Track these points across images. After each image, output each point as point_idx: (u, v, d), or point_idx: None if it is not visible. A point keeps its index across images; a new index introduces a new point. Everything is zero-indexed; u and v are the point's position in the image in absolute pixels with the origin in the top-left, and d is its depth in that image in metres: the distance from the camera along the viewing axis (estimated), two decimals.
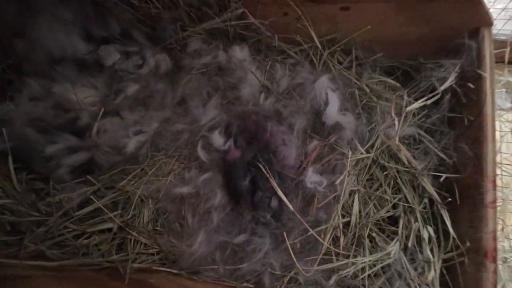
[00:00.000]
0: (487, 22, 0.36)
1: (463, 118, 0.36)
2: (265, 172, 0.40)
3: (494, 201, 0.29)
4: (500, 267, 0.42)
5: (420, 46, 0.42)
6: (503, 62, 0.50)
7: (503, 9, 0.48)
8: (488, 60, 0.35)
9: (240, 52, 0.48)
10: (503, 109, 0.48)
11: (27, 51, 0.43)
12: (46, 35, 0.43)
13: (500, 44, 0.49)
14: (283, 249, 0.38)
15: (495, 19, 0.44)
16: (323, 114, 0.43)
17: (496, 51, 0.41)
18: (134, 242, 0.37)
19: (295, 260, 0.35)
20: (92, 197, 0.36)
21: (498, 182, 0.44)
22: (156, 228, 0.41)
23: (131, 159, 0.44)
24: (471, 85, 0.35)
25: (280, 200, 0.41)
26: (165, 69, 0.50)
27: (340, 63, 0.47)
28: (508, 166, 0.47)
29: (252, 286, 0.37)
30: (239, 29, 0.47)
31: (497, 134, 0.47)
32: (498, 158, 0.45)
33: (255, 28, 0.46)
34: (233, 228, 0.43)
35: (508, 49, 0.48)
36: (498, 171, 0.44)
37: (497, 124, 0.47)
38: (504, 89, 0.49)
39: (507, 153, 0.48)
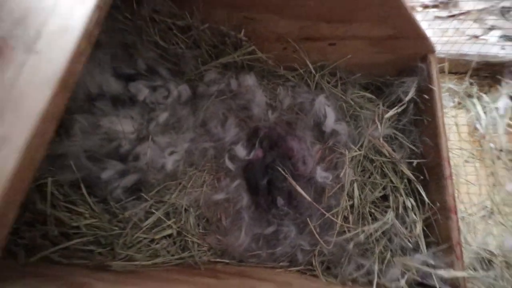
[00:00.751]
0: (432, 50, 0.51)
1: (423, 119, 0.50)
2: (283, 172, 0.51)
3: (450, 175, 0.43)
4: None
5: (387, 67, 0.56)
6: (444, 72, 0.67)
7: (441, 36, 0.64)
8: (435, 78, 0.49)
9: (249, 79, 0.58)
10: (447, 107, 0.64)
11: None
12: (84, 75, 0.50)
13: (440, 60, 0.66)
14: (307, 232, 0.49)
15: (436, 43, 0.60)
16: (323, 125, 0.55)
17: (438, 65, 0.57)
18: (191, 243, 0.45)
19: (318, 237, 0.46)
20: (153, 210, 0.44)
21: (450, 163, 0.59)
22: (200, 231, 0.50)
23: (171, 176, 0.53)
24: (426, 96, 0.49)
25: (287, 198, 0.53)
26: (186, 97, 0.58)
27: (328, 82, 0.60)
28: (456, 150, 0.63)
29: (287, 263, 0.48)
30: (246, 61, 0.58)
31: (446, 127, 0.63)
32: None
33: (261, 59, 0.57)
34: (261, 222, 0.52)
35: (446, 64, 0.65)
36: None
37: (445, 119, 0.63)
38: (447, 93, 0.65)
39: (453, 140, 0.64)
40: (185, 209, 0.50)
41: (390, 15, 0.46)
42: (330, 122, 0.54)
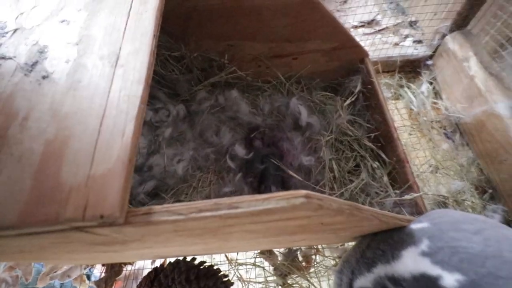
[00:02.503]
0: (366, 55, 0.70)
1: (371, 103, 0.66)
2: (276, 163, 0.63)
3: (398, 137, 0.58)
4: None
5: (338, 71, 0.73)
6: (379, 72, 0.87)
7: (371, 46, 0.85)
8: (373, 73, 0.67)
9: (233, 94, 0.71)
10: (387, 97, 0.83)
11: None
12: None
13: (374, 63, 0.86)
14: None
15: (368, 51, 0.80)
16: (300, 120, 0.69)
17: (373, 66, 0.75)
18: None
19: None
20: None
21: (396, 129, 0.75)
22: None
23: (182, 180, 0.61)
24: (369, 86, 0.66)
25: (280, 184, 0.64)
26: (183, 115, 0.69)
27: (296, 89, 0.75)
28: (401, 127, 0.81)
29: None
30: (230, 79, 0.71)
31: None
32: None
33: (242, 77, 0.70)
34: None
35: (379, 65, 0.85)
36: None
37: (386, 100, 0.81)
38: (384, 87, 0.85)
39: (398, 120, 0.82)
40: None
41: (332, 33, 0.64)
42: (304, 117, 0.68)
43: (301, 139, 0.69)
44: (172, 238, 0.30)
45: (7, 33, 0.35)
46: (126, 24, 0.34)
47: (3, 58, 0.32)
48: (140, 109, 0.28)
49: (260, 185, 0.63)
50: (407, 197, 0.48)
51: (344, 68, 0.73)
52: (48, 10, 0.36)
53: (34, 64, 0.31)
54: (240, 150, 0.65)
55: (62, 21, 0.35)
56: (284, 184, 0.65)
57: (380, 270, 0.34)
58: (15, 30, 0.35)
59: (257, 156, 0.62)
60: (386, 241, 0.35)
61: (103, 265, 0.66)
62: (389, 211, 0.51)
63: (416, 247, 0.32)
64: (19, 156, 0.25)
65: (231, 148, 0.65)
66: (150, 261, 0.68)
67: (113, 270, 0.66)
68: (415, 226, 0.35)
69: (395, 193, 0.53)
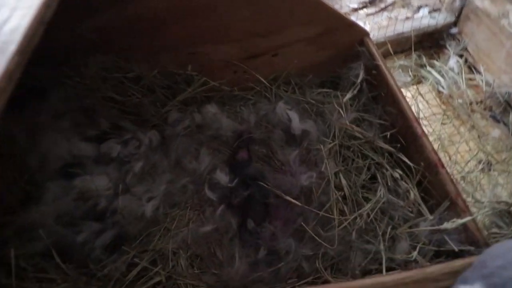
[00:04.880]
0: (366, 33, 0.55)
1: (380, 93, 0.51)
2: (264, 185, 0.49)
3: (423, 132, 0.42)
4: None
5: (333, 62, 0.59)
6: (391, 54, 0.71)
7: (376, 23, 0.70)
8: (377, 54, 0.52)
9: (211, 109, 0.60)
10: (406, 82, 0.66)
11: (40, 163, 0.49)
12: (51, 146, 0.51)
13: (383, 44, 0.70)
14: (308, 239, 0.45)
15: (374, 31, 0.65)
16: (291, 129, 0.55)
17: (381, 50, 0.60)
18: (185, 286, 0.41)
19: (318, 239, 0.42)
20: (136, 261, 0.41)
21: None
22: (195, 271, 0.46)
23: (152, 222, 0.50)
24: (374, 72, 0.51)
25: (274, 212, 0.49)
26: (156, 142, 0.59)
27: (286, 91, 0.62)
28: (430, 117, 0.63)
29: (296, 279, 0.43)
30: (203, 93, 0.60)
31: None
32: None
33: (216, 88, 0.59)
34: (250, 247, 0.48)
35: (389, 45, 0.69)
36: None
37: (405, 91, 0.64)
38: (400, 70, 0.68)
39: (424, 108, 0.64)
40: (174, 252, 0.46)
41: (313, 14, 0.51)
42: (296, 123, 0.54)
43: (297, 153, 0.55)
44: None
45: None
46: None
47: None
48: None
49: (244, 218, 0.50)
50: (447, 225, 0.31)
51: (340, 56, 0.58)
52: None
53: None
54: (222, 177, 0.52)
55: None
56: (270, 213, 0.51)
57: None
58: None
59: (241, 179, 0.50)
60: None
61: None
62: (425, 242, 0.35)
63: None
64: None
65: (211, 176, 0.53)
66: None
67: None
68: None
69: (430, 207, 0.37)
